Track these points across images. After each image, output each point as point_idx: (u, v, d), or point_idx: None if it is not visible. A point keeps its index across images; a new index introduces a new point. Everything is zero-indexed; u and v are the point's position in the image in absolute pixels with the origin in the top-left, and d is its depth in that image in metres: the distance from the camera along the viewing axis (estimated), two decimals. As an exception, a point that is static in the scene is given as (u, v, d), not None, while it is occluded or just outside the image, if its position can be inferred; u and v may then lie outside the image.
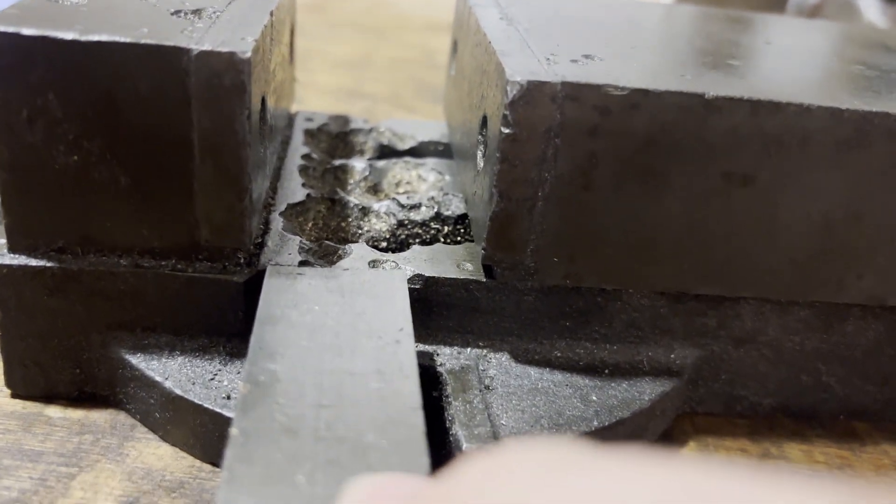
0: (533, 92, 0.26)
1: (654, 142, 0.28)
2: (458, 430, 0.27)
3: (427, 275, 0.31)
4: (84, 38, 0.25)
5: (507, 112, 0.27)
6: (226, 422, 0.28)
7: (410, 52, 0.84)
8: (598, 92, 0.27)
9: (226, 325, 0.30)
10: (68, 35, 0.25)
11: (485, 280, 0.31)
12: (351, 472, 0.20)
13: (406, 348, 0.26)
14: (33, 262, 0.28)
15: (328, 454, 0.20)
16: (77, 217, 0.28)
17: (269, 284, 0.28)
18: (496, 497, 0.12)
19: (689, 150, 0.28)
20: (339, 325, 0.26)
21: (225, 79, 0.26)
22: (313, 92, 0.67)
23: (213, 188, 0.27)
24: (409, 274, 0.31)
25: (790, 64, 0.35)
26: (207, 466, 0.29)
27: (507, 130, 0.27)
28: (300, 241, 0.32)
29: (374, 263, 0.31)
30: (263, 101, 0.30)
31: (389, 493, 0.15)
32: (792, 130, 0.28)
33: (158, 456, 0.29)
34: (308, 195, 0.35)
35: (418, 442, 0.21)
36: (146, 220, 0.28)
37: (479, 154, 0.31)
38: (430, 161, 0.41)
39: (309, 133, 0.42)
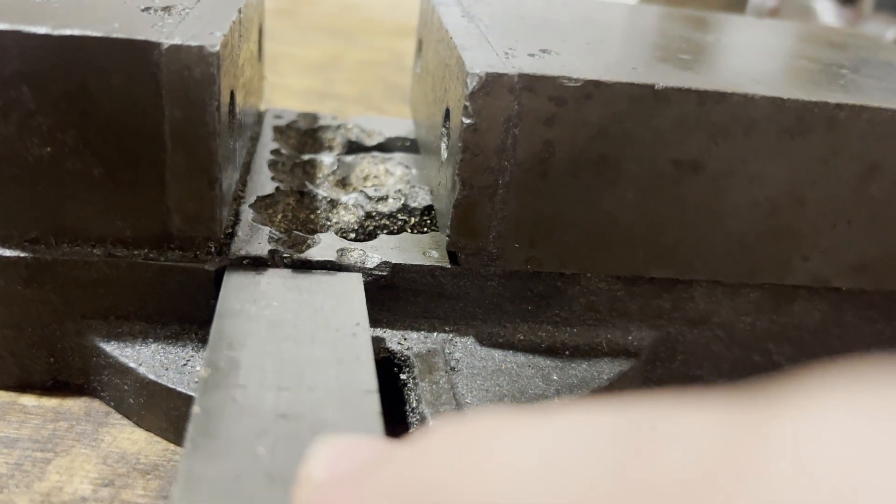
0: (492, 83, 0.28)
1: (607, 131, 0.29)
2: (424, 409, 0.28)
3: (394, 262, 0.32)
4: (56, 32, 0.26)
5: (468, 103, 0.28)
6: (199, 405, 0.29)
7: (379, 55, 0.85)
8: (554, 83, 0.28)
9: (198, 313, 0.31)
10: (41, 29, 0.26)
11: (449, 266, 0.32)
12: (311, 445, 0.21)
13: (363, 340, 0.27)
14: (7, 253, 0.29)
15: (288, 429, 0.21)
16: (51, 208, 0.29)
17: (228, 281, 0.29)
18: (456, 459, 0.13)
19: (641, 138, 0.29)
20: (298, 318, 0.27)
21: (195, 71, 0.27)
22: (283, 93, 0.68)
23: (184, 178, 0.28)
24: (377, 261, 0.32)
25: (738, 58, 0.36)
26: (181, 449, 0.30)
27: (468, 121, 0.28)
28: (269, 231, 0.33)
29: (342, 252, 0.32)
30: (232, 95, 0.31)
31: (355, 453, 0.16)
32: (737, 119, 0.29)
33: (133, 440, 0.30)
34: (277, 188, 0.36)
35: (375, 421, 0.22)
36: (119, 210, 0.29)
37: (443, 146, 0.33)
38: (398, 156, 0.42)
39: (278, 129, 0.43)
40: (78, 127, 0.27)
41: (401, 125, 0.45)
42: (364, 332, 0.27)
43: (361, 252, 0.32)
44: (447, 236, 0.31)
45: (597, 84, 0.28)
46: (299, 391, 0.23)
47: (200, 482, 0.19)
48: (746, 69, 0.34)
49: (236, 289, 0.29)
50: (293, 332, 0.26)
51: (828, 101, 0.30)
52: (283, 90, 0.69)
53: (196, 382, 0.29)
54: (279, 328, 0.26)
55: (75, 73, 0.27)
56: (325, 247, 0.33)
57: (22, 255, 0.29)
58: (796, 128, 0.30)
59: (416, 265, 0.32)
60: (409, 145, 0.44)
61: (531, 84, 0.28)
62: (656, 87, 0.29)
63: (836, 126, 0.30)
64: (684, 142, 0.30)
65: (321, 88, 0.72)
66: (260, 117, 0.45)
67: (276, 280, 0.30)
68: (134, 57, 0.27)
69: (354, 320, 0.28)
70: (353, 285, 0.30)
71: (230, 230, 0.32)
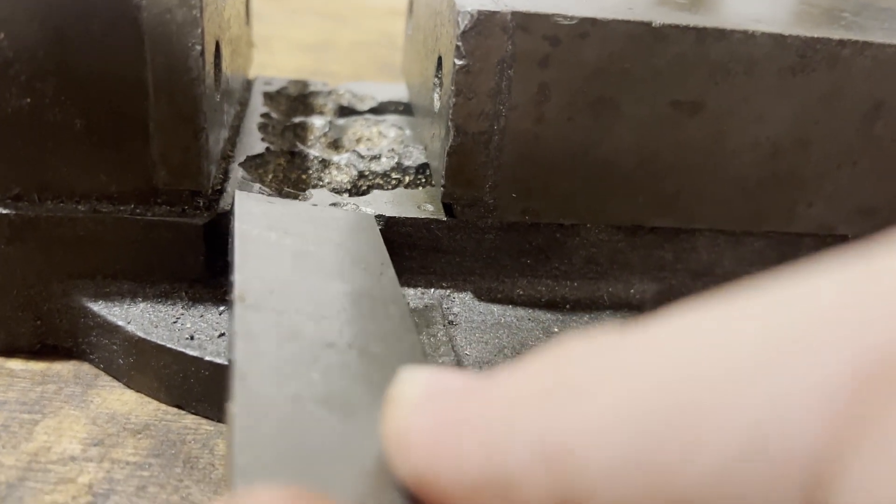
0: (483, 22, 0.27)
1: (604, 71, 0.28)
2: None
3: (388, 215, 0.31)
4: (33, -25, 0.25)
5: (460, 43, 0.27)
6: (190, 362, 0.28)
7: (371, 35, 0.84)
8: (548, 21, 0.27)
9: (187, 270, 0.30)
10: (16, -27, 0.25)
11: (445, 219, 0.31)
12: (365, 376, 0.19)
13: (391, 279, 0.25)
14: (-11, 211, 0.28)
15: (338, 358, 0.20)
16: (32, 162, 0.28)
17: (240, 206, 0.27)
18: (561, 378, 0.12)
19: (638, 78, 0.28)
20: (321, 251, 0.26)
21: (177, 14, 0.26)
22: (275, 73, 0.67)
23: (168, 128, 0.27)
24: (371, 215, 0.31)
25: (736, 2, 0.35)
26: (172, 409, 0.29)
27: (460, 62, 0.27)
28: (259, 188, 0.32)
29: (335, 206, 0.31)
30: (218, 46, 0.30)
31: (449, 384, 0.14)
32: (737, 57, 0.29)
33: (123, 401, 0.29)
34: (267, 148, 0.35)
35: (422, 360, 0.21)
36: (103, 164, 0.28)
37: (436, 97, 0.32)
38: (391, 118, 0.41)
39: (268, 95, 0.42)
40: (57, 76, 0.26)
41: (394, 90, 0.45)
42: (391, 272, 0.26)
43: (354, 206, 0.31)
44: (442, 187, 0.30)
45: (592, 22, 0.27)
46: (339, 321, 0.21)
47: (258, 400, 0.17)
48: (745, 11, 0.33)
49: (251, 214, 0.26)
50: (319, 265, 0.25)
51: (830, 37, 0.29)
52: (274, 69, 0.68)
53: (187, 339, 0.28)
54: (304, 259, 0.25)
55: (53, 19, 0.26)
56: (317, 202, 0.32)
57: (4, 212, 0.28)
58: (798, 66, 0.29)
59: (411, 218, 0.31)
60: (402, 109, 0.43)
61: (524, 22, 0.27)
62: (654, 24, 0.28)
63: (840, 63, 0.29)
64: (683, 82, 0.29)
65: (313, 67, 0.71)
66: (249, 84, 0.44)
67: (288, 209, 0.28)
68: (114, 1, 0.26)
69: (379, 260, 0.26)
70: (368, 224, 0.29)
71: (219, 187, 0.31)
